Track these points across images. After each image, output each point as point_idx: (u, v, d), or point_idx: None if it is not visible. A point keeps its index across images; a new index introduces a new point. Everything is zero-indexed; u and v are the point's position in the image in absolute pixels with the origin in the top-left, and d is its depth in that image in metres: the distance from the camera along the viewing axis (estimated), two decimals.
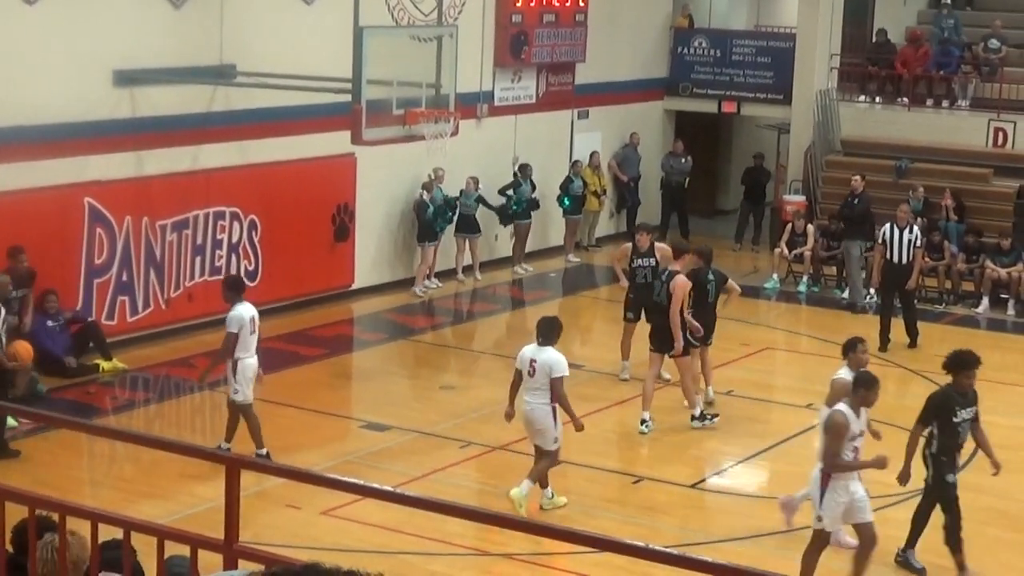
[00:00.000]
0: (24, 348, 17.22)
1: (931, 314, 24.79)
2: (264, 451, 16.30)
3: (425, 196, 24.54)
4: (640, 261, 19.75)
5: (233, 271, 21.94)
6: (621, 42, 29.89)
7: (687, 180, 30.43)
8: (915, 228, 23.07)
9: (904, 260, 22.66)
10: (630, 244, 20.05)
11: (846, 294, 25.84)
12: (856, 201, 25.44)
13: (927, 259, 25.44)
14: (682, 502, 16.20)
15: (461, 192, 25.45)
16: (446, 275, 25.71)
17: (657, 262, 19.42)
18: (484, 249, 26.47)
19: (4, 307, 16.83)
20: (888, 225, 22.92)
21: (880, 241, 23.07)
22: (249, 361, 16.26)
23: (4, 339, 16.71)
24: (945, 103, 30.19)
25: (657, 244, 19.89)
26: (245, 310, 16.27)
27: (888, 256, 22.73)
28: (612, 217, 30.50)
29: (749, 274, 27.72)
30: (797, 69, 29.82)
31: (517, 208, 26.63)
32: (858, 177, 25.97)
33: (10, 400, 16.17)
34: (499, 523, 6.31)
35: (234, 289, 16.71)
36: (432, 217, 24.56)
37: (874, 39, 32.38)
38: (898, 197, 27.29)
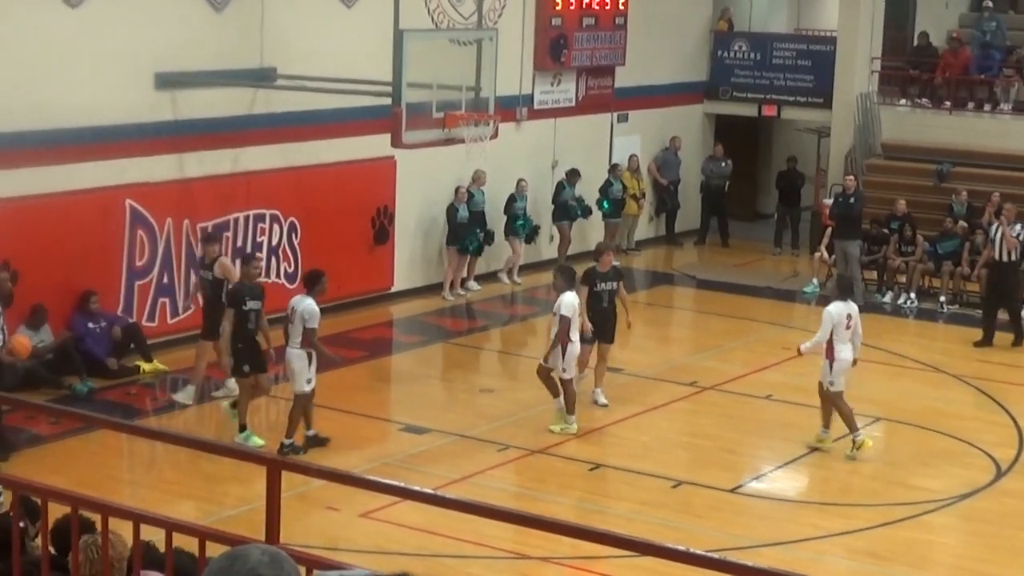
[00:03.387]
0: (20, 344, 17.35)
1: (972, 319, 24.66)
2: (290, 441, 16.93)
3: (456, 201, 24.51)
4: (603, 285, 19.09)
5: (273, 274, 22.04)
6: (661, 45, 29.85)
7: (727, 184, 30.38)
8: (1017, 226, 23.36)
9: (1013, 257, 23.20)
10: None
11: (887, 298, 25.77)
12: (852, 200, 25.41)
13: (969, 263, 25.38)
14: (721, 506, 16.15)
15: (512, 195, 25.50)
16: (487, 278, 25.71)
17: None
18: (530, 251, 26.49)
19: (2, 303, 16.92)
20: (996, 223, 23.42)
21: (990, 238, 23.46)
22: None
23: (4, 334, 16.80)
24: (987, 107, 30.05)
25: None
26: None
27: (995, 255, 23.13)
28: (651, 221, 30.47)
29: (789, 278, 27.69)
30: (838, 72, 29.72)
31: (580, 212, 27.08)
32: (851, 177, 26.18)
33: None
34: (538, 526, 6.31)
35: (305, 281, 17.66)
36: (465, 223, 24.53)
37: (915, 42, 32.26)
38: (940, 201, 27.26)
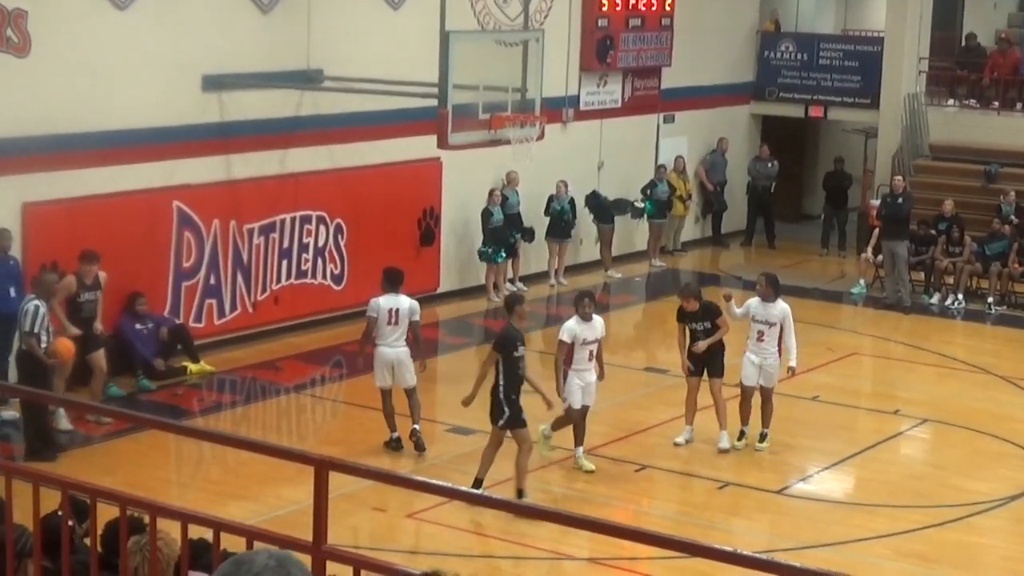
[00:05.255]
0: (64, 346, 17.00)
1: (1021, 320, 24.56)
2: (395, 435, 17.16)
3: (489, 204, 24.45)
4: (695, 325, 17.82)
5: (319, 275, 22.10)
6: (707, 46, 29.79)
7: (773, 185, 30.30)
8: None
9: None
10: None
11: (934, 299, 25.66)
12: (901, 200, 25.29)
13: (1017, 264, 25.26)
14: (768, 508, 16.12)
15: (551, 197, 25.48)
16: (532, 279, 25.71)
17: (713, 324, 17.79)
18: (570, 253, 26.46)
19: (45, 303, 16.74)
20: None
21: None
22: (381, 349, 17.00)
23: (49, 335, 16.71)
24: None
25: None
26: (385, 300, 17.04)
27: None
28: (698, 222, 30.40)
29: (835, 279, 27.59)
30: (885, 73, 29.58)
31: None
32: (899, 177, 26.09)
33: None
34: (584, 527, 6.30)
35: (385, 279, 17.30)
36: (500, 226, 24.47)
37: (963, 42, 32.09)
38: (988, 202, 27.11)
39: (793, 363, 17.57)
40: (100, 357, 17.93)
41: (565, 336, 16.41)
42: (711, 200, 30.24)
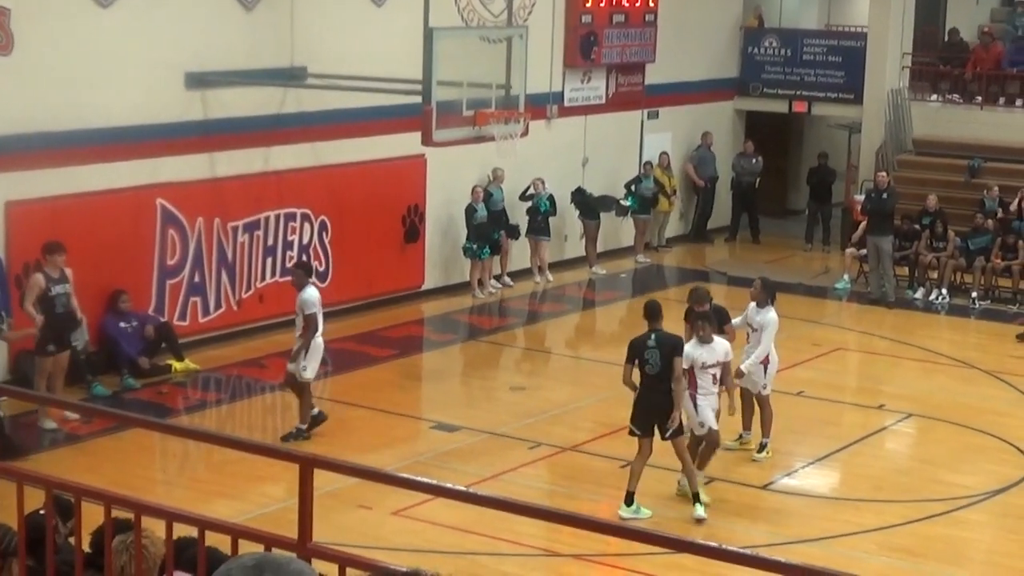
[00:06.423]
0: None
1: (1004, 315, 24.61)
2: (304, 427, 17.36)
3: (473, 201, 24.42)
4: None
5: None
6: (691, 42, 29.81)
7: (757, 180, 30.34)
8: None
9: None
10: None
11: (918, 294, 25.71)
12: (885, 196, 25.30)
13: (1000, 260, 25.33)
14: (753, 503, 16.13)
15: (531, 195, 25.44)
16: (519, 275, 25.72)
17: None
18: (555, 250, 26.45)
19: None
20: None
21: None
22: (318, 341, 17.23)
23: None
24: (1019, 102, 29.91)
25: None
26: (317, 293, 17.32)
27: None
28: (682, 218, 30.41)
29: (820, 274, 27.63)
30: (868, 68, 29.63)
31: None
32: (884, 173, 26.11)
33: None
34: (570, 523, 6.31)
35: (308, 272, 17.66)
36: (484, 223, 24.45)
37: (946, 38, 32.15)
38: (971, 197, 27.16)
39: (743, 366, 16.91)
40: (64, 359, 17.83)
41: (684, 362, 15.55)
42: (702, 199, 30.19)
